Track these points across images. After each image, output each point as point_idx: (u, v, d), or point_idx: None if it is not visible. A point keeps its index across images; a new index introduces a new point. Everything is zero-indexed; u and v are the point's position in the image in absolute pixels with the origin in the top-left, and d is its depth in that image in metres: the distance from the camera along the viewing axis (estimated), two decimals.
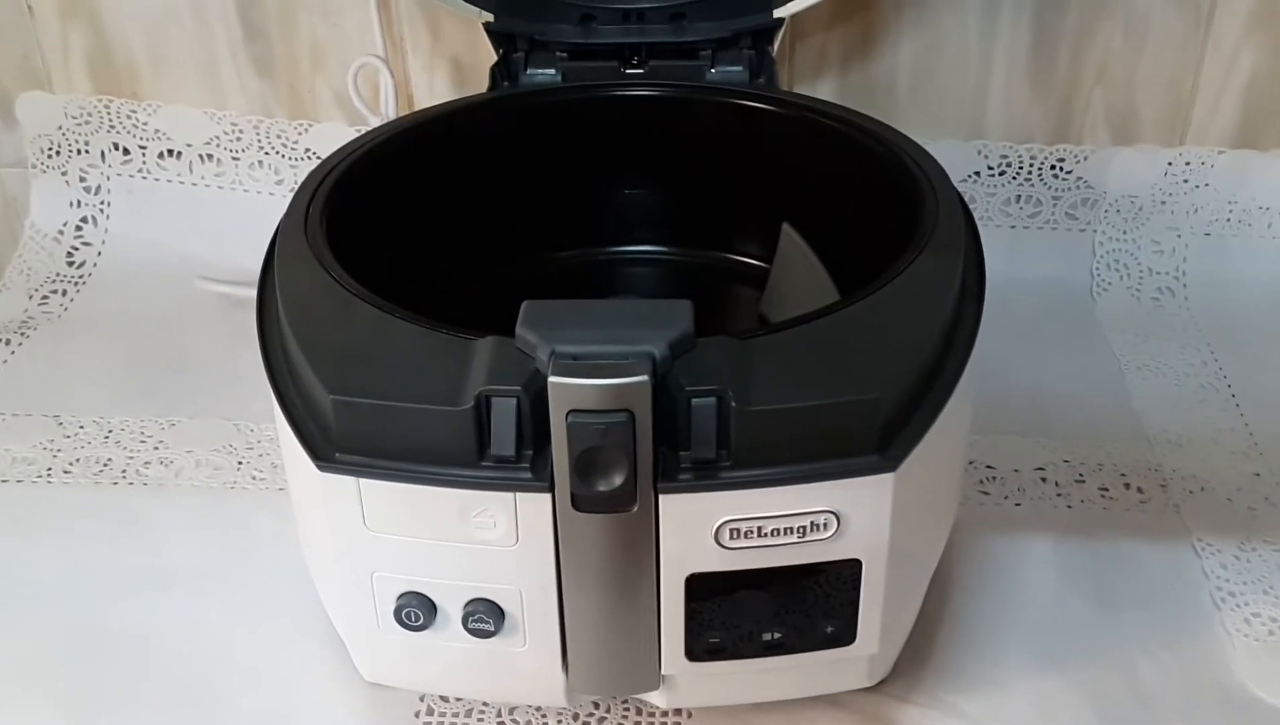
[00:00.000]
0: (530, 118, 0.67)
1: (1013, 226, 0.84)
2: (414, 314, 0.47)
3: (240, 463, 0.69)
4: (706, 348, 0.43)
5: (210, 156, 0.86)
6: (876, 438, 0.44)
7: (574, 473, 0.42)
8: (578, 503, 0.43)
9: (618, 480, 0.42)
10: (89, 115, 0.86)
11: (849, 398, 0.43)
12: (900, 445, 0.44)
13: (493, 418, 0.43)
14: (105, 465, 0.69)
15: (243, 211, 0.86)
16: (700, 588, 0.46)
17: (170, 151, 0.86)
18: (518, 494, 0.44)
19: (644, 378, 0.41)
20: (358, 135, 0.62)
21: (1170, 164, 0.82)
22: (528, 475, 0.43)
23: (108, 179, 0.87)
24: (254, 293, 0.54)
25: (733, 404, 0.42)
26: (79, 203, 0.87)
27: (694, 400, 0.42)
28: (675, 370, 0.42)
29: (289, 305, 0.49)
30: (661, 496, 0.43)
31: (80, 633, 0.58)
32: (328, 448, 0.45)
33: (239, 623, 0.59)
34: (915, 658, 0.56)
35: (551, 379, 0.41)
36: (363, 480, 0.45)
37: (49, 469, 0.69)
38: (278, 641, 0.58)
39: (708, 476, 0.43)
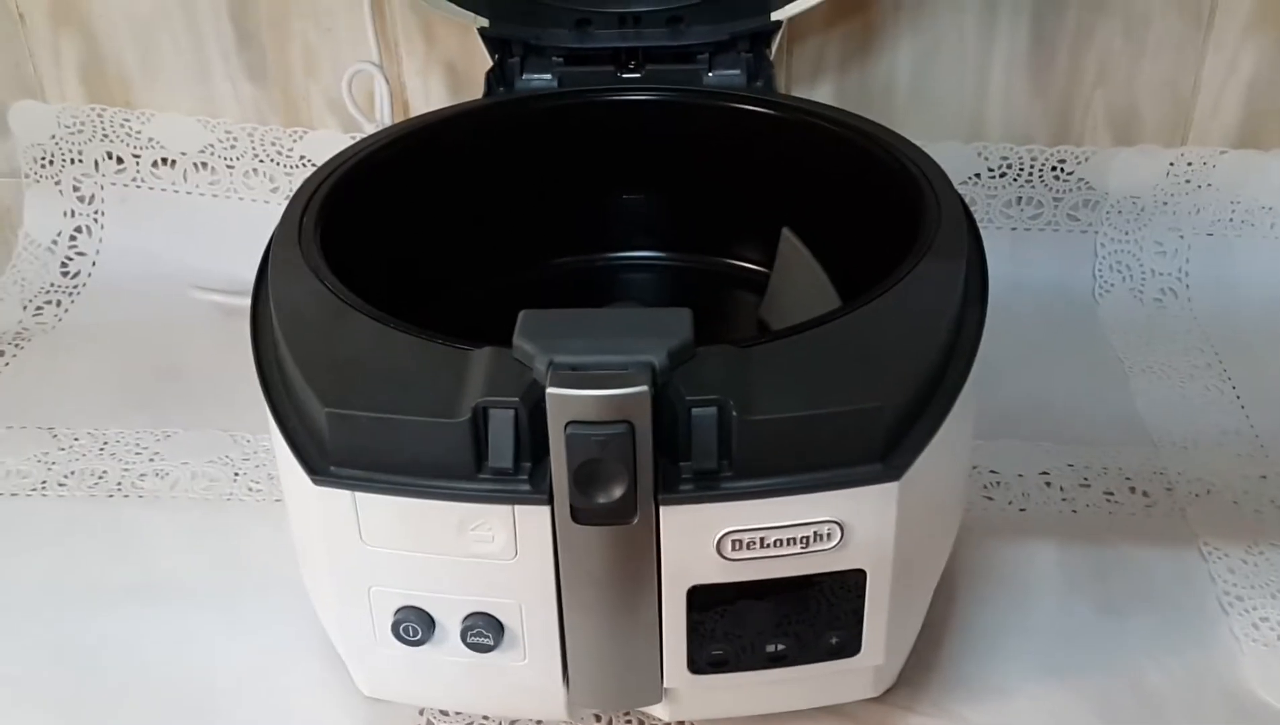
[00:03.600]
0: (526, 123, 0.66)
1: (1014, 228, 0.83)
2: (410, 324, 0.46)
3: (236, 474, 0.68)
4: (707, 356, 0.43)
5: (204, 165, 0.86)
6: (880, 446, 0.43)
7: (573, 485, 0.42)
8: (577, 515, 0.43)
9: (617, 492, 0.42)
10: (82, 124, 0.86)
11: (852, 406, 0.43)
12: (904, 454, 0.44)
13: (490, 429, 0.42)
14: (100, 478, 0.68)
15: (237, 220, 0.85)
16: (702, 599, 0.45)
17: (164, 160, 0.86)
18: (516, 507, 0.43)
19: (644, 388, 0.40)
20: (352, 142, 0.62)
21: (1172, 164, 0.82)
22: (526, 487, 0.43)
23: (101, 188, 0.86)
24: (249, 302, 0.53)
25: (734, 414, 0.42)
26: (73, 212, 0.87)
27: (694, 410, 0.42)
28: (675, 380, 0.42)
29: (283, 317, 0.48)
30: (662, 508, 0.43)
31: (74, 646, 0.58)
32: (323, 461, 0.44)
33: (235, 636, 0.58)
34: (920, 667, 0.55)
35: (550, 390, 0.41)
36: (359, 494, 0.44)
37: (44, 482, 0.68)
38: (274, 655, 0.57)
39: (709, 487, 0.43)
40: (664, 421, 0.42)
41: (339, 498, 0.44)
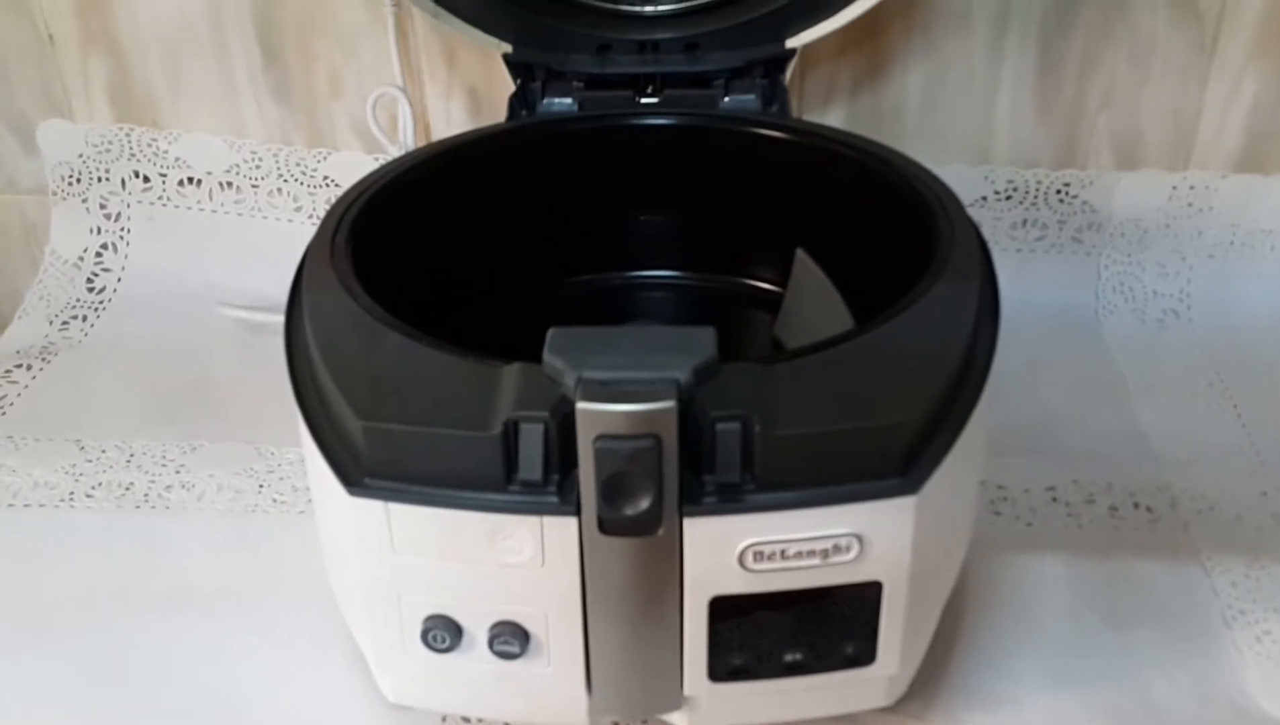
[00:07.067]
0: (549, 146, 0.68)
1: (1019, 250, 0.85)
2: (440, 341, 0.48)
3: (261, 486, 0.70)
4: (730, 373, 0.44)
5: (230, 184, 0.87)
6: (899, 461, 0.44)
7: (600, 497, 0.43)
8: (604, 526, 0.44)
9: (644, 504, 0.43)
10: (109, 143, 0.87)
11: (872, 422, 0.44)
12: (921, 468, 0.45)
13: (520, 443, 0.43)
14: (127, 489, 0.70)
15: (262, 238, 0.86)
16: (723, 610, 0.47)
17: (190, 179, 0.87)
18: (545, 518, 0.44)
19: (670, 403, 0.42)
20: (380, 164, 0.63)
21: (1175, 188, 0.83)
22: (555, 500, 0.44)
23: (128, 206, 0.88)
24: (273, 318, 0.55)
25: (757, 429, 0.43)
26: (99, 230, 0.88)
27: (719, 425, 0.43)
28: (700, 395, 0.43)
29: (318, 333, 0.50)
30: (686, 520, 0.44)
31: (102, 655, 0.59)
32: (357, 472, 0.46)
33: (261, 644, 0.60)
34: (931, 677, 0.56)
35: (579, 405, 0.42)
36: (392, 504, 0.45)
37: (71, 493, 0.69)
38: (300, 662, 0.59)
39: (732, 500, 0.44)
40: (689, 436, 0.43)
41: (372, 508, 0.45)
